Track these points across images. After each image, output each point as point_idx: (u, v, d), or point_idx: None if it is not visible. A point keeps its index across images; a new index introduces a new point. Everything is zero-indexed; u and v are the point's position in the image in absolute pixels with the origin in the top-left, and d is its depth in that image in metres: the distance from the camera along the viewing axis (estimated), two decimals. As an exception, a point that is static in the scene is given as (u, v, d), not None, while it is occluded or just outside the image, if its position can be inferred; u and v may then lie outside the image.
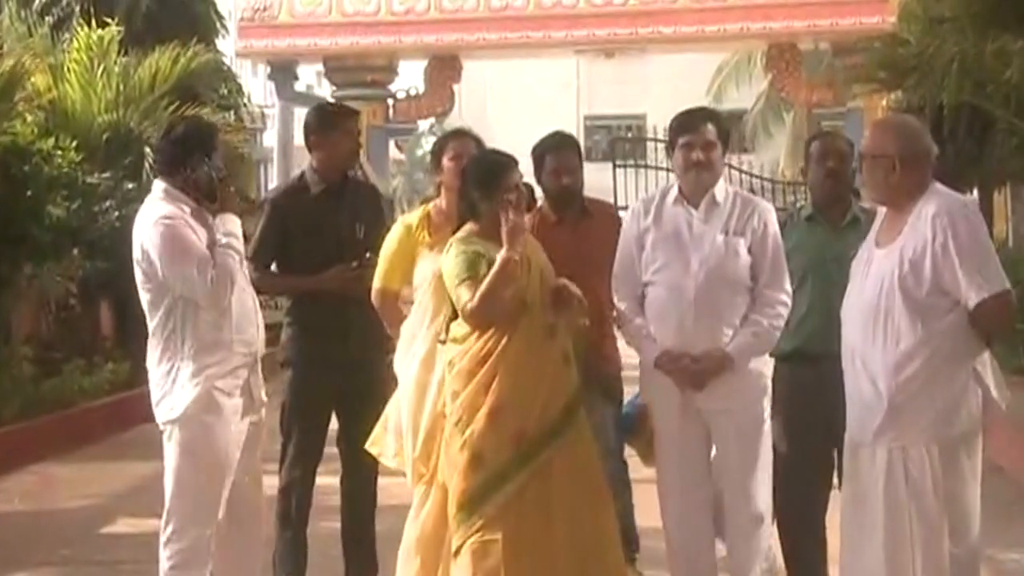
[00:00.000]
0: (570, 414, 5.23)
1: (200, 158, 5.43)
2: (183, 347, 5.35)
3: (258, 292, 5.92)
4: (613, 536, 5.31)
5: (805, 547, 5.79)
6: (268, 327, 5.81)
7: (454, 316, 5.27)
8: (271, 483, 6.30)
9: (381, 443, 5.90)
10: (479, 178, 5.33)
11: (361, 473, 6.19)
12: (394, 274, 5.93)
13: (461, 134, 6.16)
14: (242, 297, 5.49)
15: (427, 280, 5.72)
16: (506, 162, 5.39)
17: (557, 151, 6.36)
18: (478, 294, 5.08)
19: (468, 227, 5.31)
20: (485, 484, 5.10)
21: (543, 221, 6.34)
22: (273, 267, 6.45)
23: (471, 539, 5.09)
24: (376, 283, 5.95)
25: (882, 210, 5.00)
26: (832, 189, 5.85)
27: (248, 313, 5.53)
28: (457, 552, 5.14)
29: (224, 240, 5.39)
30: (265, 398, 5.67)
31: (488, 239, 5.23)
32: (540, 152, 6.39)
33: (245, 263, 6.18)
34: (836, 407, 5.08)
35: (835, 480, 5.70)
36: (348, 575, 6.44)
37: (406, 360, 5.81)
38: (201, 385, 5.33)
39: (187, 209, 5.40)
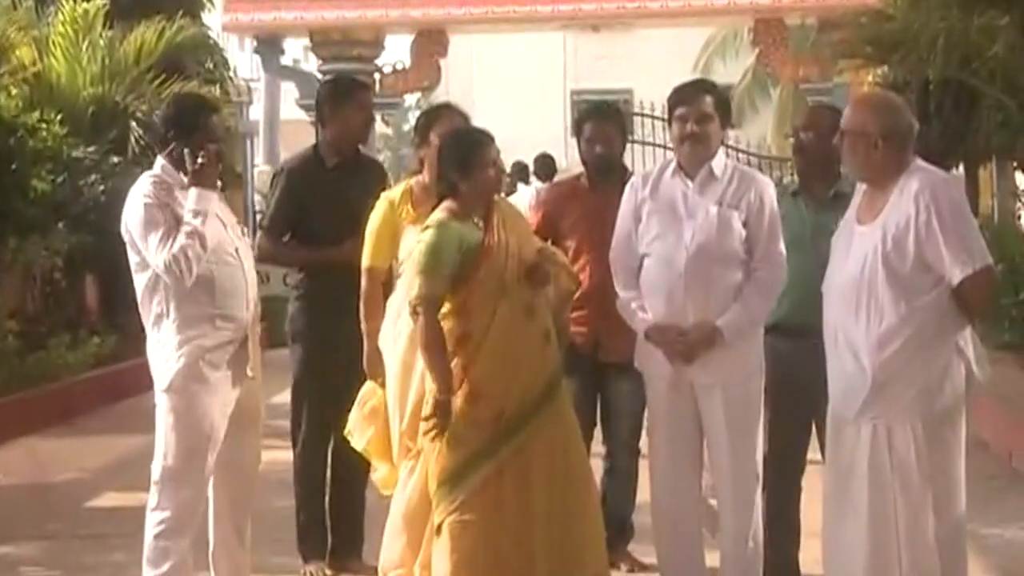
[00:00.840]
0: (550, 393, 5.24)
1: (178, 136, 5.47)
2: (168, 319, 5.41)
3: (272, 263, 5.91)
4: (593, 518, 5.31)
5: (776, 518, 5.77)
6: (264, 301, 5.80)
7: None
8: (278, 457, 6.32)
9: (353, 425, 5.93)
10: (457, 156, 5.30)
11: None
12: (381, 251, 5.92)
13: (448, 109, 6.13)
14: (230, 272, 5.48)
15: (411, 255, 5.72)
16: (482, 139, 5.38)
17: (594, 120, 6.42)
18: (426, 335, 5.12)
19: (446, 205, 5.29)
20: (464, 463, 5.12)
21: (576, 186, 6.45)
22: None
23: (450, 518, 5.11)
24: (365, 262, 5.92)
25: (861, 187, 4.98)
26: (800, 163, 5.90)
27: (236, 289, 5.51)
28: (438, 530, 5.16)
29: (186, 219, 5.35)
30: (250, 372, 5.63)
31: (466, 218, 5.24)
32: (580, 121, 6.49)
33: (260, 234, 6.17)
34: (813, 381, 5.10)
35: (816, 456, 5.72)
36: (334, 547, 6.45)
37: (391, 337, 5.81)
38: (186, 356, 5.38)
39: (177, 185, 5.43)
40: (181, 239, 5.30)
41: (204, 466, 5.43)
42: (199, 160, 5.40)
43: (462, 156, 5.29)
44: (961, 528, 4.87)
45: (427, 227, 5.25)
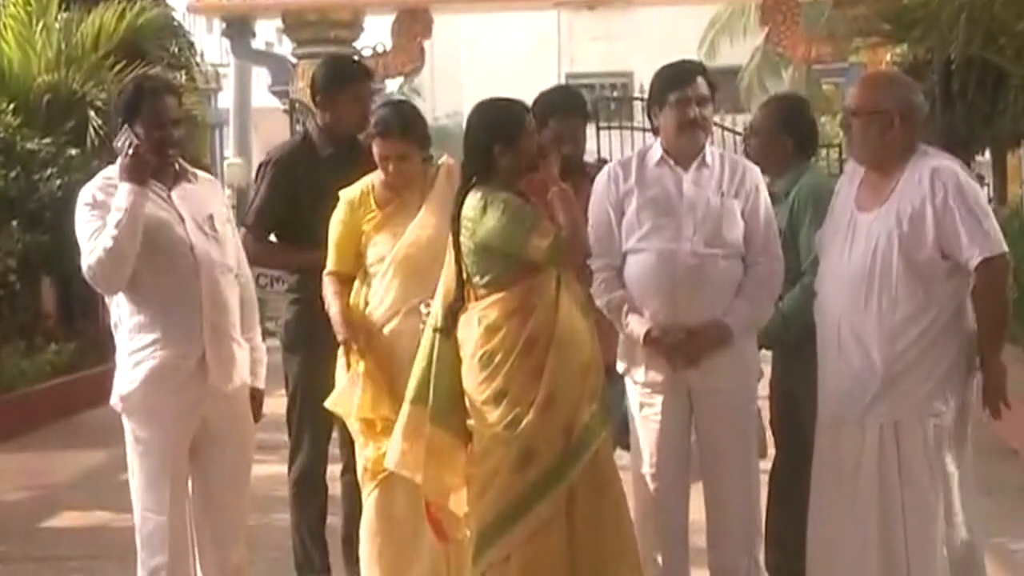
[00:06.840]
0: (605, 399, 5.12)
1: (122, 126, 5.24)
2: (122, 327, 5.31)
3: (259, 265, 5.77)
4: (632, 549, 5.19)
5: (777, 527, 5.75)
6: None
7: (459, 303, 5.12)
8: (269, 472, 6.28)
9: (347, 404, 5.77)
10: (500, 129, 5.12)
11: None
12: (345, 260, 5.79)
13: (389, 131, 5.73)
14: (177, 276, 5.25)
15: (383, 261, 5.65)
16: (522, 107, 5.26)
17: (564, 117, 6.05)
18: (566, 229, 4.92)
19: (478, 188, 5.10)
20: (540, 481, 4.96)
21: None
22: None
23: (522, 547, 4.97)
24: (329, 266, 5.80)
25: (859, 172, 5.05)
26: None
27: (185, 296, 5.25)
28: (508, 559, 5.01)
29: (108, 221, 5.11)
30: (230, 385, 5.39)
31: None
32: (544, 111, 5.99)
33: (243, 233, 5.96)
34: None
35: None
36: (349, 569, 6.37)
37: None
38: (134, 373, 5.26)
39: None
40: (99, 245, 5.09)
41: (163, 496, 5.28)
42: (128, 150, 5.14)
43: (507, 128, 5.11)
44: (978, 539, 4.89)
45: (480, 204, 5.03)
